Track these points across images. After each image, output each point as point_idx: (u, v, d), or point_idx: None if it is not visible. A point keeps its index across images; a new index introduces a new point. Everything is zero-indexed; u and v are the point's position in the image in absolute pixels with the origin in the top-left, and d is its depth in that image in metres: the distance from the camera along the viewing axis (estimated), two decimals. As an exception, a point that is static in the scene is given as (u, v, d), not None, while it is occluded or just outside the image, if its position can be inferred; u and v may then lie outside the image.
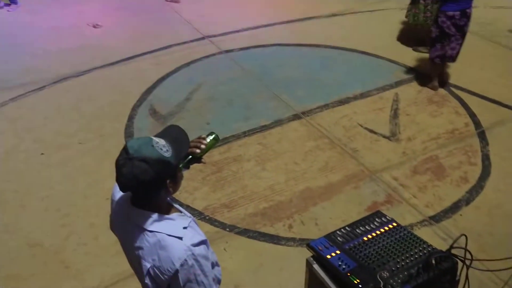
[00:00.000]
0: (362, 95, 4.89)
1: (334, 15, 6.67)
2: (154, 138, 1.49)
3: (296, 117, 4.57)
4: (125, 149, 1.45)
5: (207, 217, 3.45)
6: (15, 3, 6.69)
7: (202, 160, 1.79)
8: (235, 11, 6.76)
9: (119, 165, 1.44)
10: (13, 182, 3.77)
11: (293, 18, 6.55)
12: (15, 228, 3.35)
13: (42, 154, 4.09)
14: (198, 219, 3.41)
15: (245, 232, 3.34)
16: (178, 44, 5.92)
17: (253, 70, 5.37)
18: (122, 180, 1.45)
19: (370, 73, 5.29)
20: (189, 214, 1.72)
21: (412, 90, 4.97)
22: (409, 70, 5.35)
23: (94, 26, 6.28)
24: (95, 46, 5.83)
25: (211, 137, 1.81)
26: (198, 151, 1.74)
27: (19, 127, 4.42)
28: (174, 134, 1.58)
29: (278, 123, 4.49)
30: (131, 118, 4.59)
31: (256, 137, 4.31)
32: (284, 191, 3.70)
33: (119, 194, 1.69)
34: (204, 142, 1.77)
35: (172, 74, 5.31)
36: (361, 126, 4.43)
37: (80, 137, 4.31)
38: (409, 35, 5.97)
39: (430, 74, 5.01)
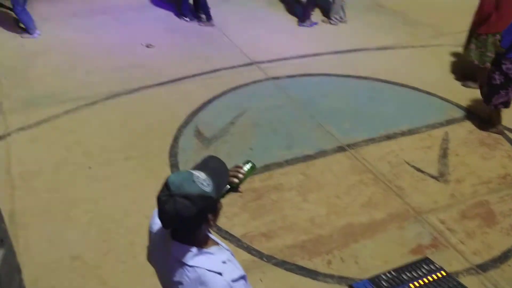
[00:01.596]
0: (410, 132, 4.78)
1: (384, 48, 6.61)
2: (194, 173, 1.49)
3: (340, 149, 4.52)
4: (166, 185, 1.45)
5: (244, 245, 3.42)
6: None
7: (239, 189, 1.78)
8: (284, 39, 6.82)
9: (161, 202, 1.45)
10: (61, 193, 3.87)
11: (342, 49, 6.54)
12: (59, 239, 3.43)
13: (90, 167, 4.20)
14: (236, 247, 3.38)
15: (282, 264, 3.29)
16: (226, 68, 6.01)
17: (299, 99, 5.37)
18: (164, 217, 1.45)
19: (419, 109, 5.18)
20: (226, 247, 1.71)
21: (463, 130, 4.82)
22: (461, 109, 5.20)
23: (147, 46, 6.47)
24: (146, 65, 6.00)
25: (248, 166, 1.78)
26: (236, 181, 1.72)
27: (69, 139, 4.56)
28: (213, 166, 1.58)
29: (321, 154, 4.44)
30: (176, 138, 4.65)
31: (298, 166, 4.28)
32: (324, 224, 3.63)
33: (157, 225, 1.69)
34: (242, 171, 1.76)
35: (218, 97, 5.38)
36: (408, 163, 4.32)
37: (126, 153, 4.40)
38: (462, 73, 5.83)
39: (492, 120, 4.82)
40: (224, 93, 5.45)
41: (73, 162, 4.25)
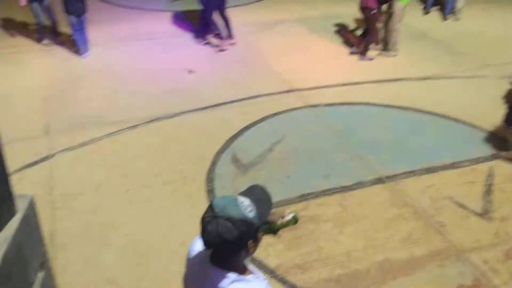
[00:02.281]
0: (453, 165, 4.62)
1: (426, 78, 6.49)
2: (239, 198, 1.52)
3: (379, 181, 4.41)
4: (211, 207, 1.50)
5: (279, 277, 3.36)
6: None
7: (279, 233, 1.80)
8: (324, 67, 6.82)
9: (204, 222, 1.50)
10: (100, 215, 3.95)
11: (383, 78, 6.47)
12: (95, 261, 3.48)
13: (128, 190, 4.27)
14: (270, 277, 3.33)
15: (317, 298, 3.20)
16: (266, 95, 6.05)
17: (338, 128, 5.32)
18: (206, 237, 1.49)
19: (463, 143, 5.01)
20: (263, 276, 1.70)
21: (509, 166, 4.62)
22: (507, 143, 4.99)
23: (188, 72, 6.62)
24: (187, 90, 6.12)
25: (291, 216, 1.90)
26: (278, 222, 1.80)
27: (111, 162, 4.67)
28: (258, 195, 1.59)
29: (360, 185, 4.35)
30: (213, 164, 4.68)
31: (336, 197, 4.20)
32: (361, 259, 3.52)
33: (195, 251, 1.71)
34: (286, 217, 1.81)
35: (257, 123, 5.40)
36: (450, 198, 4.17)
37: (164, 177, 4.46)
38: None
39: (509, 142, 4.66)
40: (262, 120, 5.47)
41: (112, 185, 4.34)
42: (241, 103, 5.85)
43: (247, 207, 1.50)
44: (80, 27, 6.86)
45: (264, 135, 5.18)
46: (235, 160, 4.73)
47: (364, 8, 6.65)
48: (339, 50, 7.38)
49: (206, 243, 1.51)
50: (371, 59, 6.96)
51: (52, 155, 4.73)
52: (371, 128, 5.30)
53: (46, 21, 7.22)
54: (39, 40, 7.05)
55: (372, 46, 7.06)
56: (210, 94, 6.02)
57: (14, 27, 8.05)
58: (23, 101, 5.77)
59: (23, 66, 6.71)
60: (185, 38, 7.72)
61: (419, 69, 6.71)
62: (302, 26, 8.27)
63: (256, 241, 1.57)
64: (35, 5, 6.75)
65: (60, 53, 7.09)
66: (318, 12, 8.95)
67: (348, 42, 7.65)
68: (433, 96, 5.97)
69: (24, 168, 4.50)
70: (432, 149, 4.91)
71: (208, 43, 7.38)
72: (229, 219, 1.46)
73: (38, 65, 6.77)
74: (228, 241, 1.47)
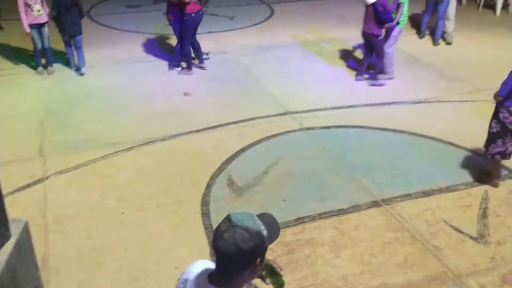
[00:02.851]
0: (448, 189, 4.63)
1: (419, 102, 6.56)
2: (254, 215, 1.61)
3: (375, 204, 4.41)
4: (228, 218, 1.57)
5: (275, 302, 3.31)
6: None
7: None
8: (319, 90, 6.87)
9: (220, 231, 1.54)
10: (94, 239, 3.90)
11: (377, 102, 6.52)
12: (89, 285, 3.42)
13: (122, 213, 4.23)
14: (266, 303, 3.28)
15: (313, 325, 3.16)
16: (261, 117, 6.07)
17: (333, 150, 5.33)
18: (221, 244, 1.52)
19: (457, 166, 5.04)
20: None
21: (503, 189, 4.64)
22: (501, 167, 5.02)
23: (184, 94, 6.65)
24: (183, 112, 6.13)
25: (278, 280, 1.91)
26: (282, 272, 1.93)
27: (105, 184, 4.64)
28: (269, 220, 1.65)
29: (355, 208, 4.35)
30: (209, 186, 4.67)
31: (332, 220, 4.19)
32: (358, 284, 3.49)
33: (193, 273, 1.72)
34: (281, 274, 1.92)
35: (252, 146, 5.41)
36: (446, 222, 4.17)
37: (159, 200, 4.43)
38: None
39: (490, 171, 4.69)
40: (257, 142, 5.48)
41: (107, 208, 4.30)
42: (236, 126, 5.87)
43: (261, 225, 1.58)
44: (77, 46, 7.11)
45: (259, 158, 5.18)
46: (231, 183, 4.72)
47: (369, 35, 6.70)
48: (334, 74, 7.46)
49: (220, 250, 1.53)
50: (382, 83, 7.00)
51: (46, 178, 4.69)
52: (367, 151, 5.32)
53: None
54: (36, 66, 7.06)
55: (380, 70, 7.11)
56: (205, 116, 6.03)
57: (12, 49, 8.08)
58: (18, 123, 5.76)
59: (19, 88, 6.72)
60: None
61: (413, 93, 6.79)
62: (298, 50, 8.37)
63: (262, 262, 1.62)
64: (34, 32, 6.81)
65: (56, 76, 7.10)
66: (313, 36, 9.07)
67: (343, 66, 7.74)
68: (427, 120, 6.02)
69: (18, 191, 4.46)
70: (427, 172, 4.92)
71: (183, 69, 7.39)
72: (247, 229, 1.53)
73: (34, 87, 6.77)
74: (242, 251, 1.51)
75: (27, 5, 6.60)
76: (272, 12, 10.58)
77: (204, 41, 8.67)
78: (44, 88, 6.73)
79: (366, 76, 7.18)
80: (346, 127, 5.86)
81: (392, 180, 4.79)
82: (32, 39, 6.86)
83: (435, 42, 8.76)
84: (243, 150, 5.31)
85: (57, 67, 7.37)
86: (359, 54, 8.18)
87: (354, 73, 7.36)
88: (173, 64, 7.40)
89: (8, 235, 2.29)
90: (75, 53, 7.24)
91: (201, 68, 7.48)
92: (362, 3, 6.71)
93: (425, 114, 6.23)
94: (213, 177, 4.81)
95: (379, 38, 6.74)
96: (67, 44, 7.17)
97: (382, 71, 7.10)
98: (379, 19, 6.53)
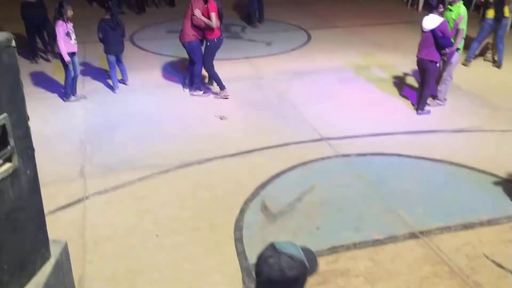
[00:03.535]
0: (490, 222, 4.46)
1: (460, 130, 6.39)
2: (297, 244, 1.63)
3: (412, 235, 4.29)
4: (272, 246, 1.59)
5: (307, 334, 3.24)
6: None
7: None
8: (355, 115, 6.82)
9: (265, 256, 1.56)
10: (128, 260, 3.95)
11: (416, 130, 6.41)
12: (121, 308, 3.46)
13: (157, 235, 4.28)
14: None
15: None
16: (296, 142, 6.07)
17: (369, 179, 5.25)
18: (266, 270, 1.53)
19: (500, 199, 4.85)
20: None
21: (550, 224, 4.43)
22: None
23: (220, 118, 6.73)
24: (218, 136, 6.20)
25: None
26: None
27: (141, 206, 4.72)
28: (308, 252, 1.65)
29: (392, 239, 4.24)
30: (242, 211, 4.67)
31: (367, 251, 4.10)
32: (394, 319, 3.38)
33: None
34: None
35: (286, 172, 5.39)
36: (487, 257, 4.00)
37: (193, 224, 4.46)
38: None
39: None
40: (292, 168, 5.47)
41: (142, 229, 4.37)
42: (271, 151, 5.88)
43: (303, 256, 1.59)
44: (121, 62, 7.61)
45: (294, 184, 5.15)
46: (264, 209, 4.71)
47: (427, 61, 6.61)
48: (371, 99, 7.39)
49: (265, 276, 1.53)
50: (428, 112, 6.89)
51: (86, 198, 4.82)
52: (404, 180, 5.21)
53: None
54: (68, 95, 7.28)
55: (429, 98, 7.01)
56: (240, 140, 6.08)
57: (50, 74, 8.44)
58: (62, 143, 5.96)
59: (64, 110, 6.97)
60: (215, 85, 7.88)
61: (453, 121, 6.63)
62: (334, 75, 8.36)
63: None
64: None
65: (98, 98, 7.35)
66: (349, 62, 9.06)
67: (380, 91, 7.66)
68: (467, 149, 5.86)
69: (59, 210, 4.60)
70: (468, 204, 4.77)
71: (205, 93, 7.48)
72: (292, 257, 1.54)
73: (78, 109, 7.02)
74: (287, 278, 1.51)
75: (67, 34, 6.89)
76: (309, 38, 10.65)
77: (241, 66, 8.84)
78: (87, 110, 6.96)
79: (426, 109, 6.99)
80: (383, 155, 5.77)
81: (430, 211, 4.66)
82: (68, 67, 7.08)
83: (499, 66, 8.71)
84: (277, 175, 5.31)
85: (100, 89, 7.63)
86: (396, 80, 8.09)
87: (392, 98, 7.28)
88: (194, 87, 7.45)
89: (47, 256, 2.35)
90: (118, 70, 7.59)
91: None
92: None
93: (466, 143, 6.06)
94: (247, 202, 4.81)
95: (437, 64, 6.67)
96: (112, 64, 7.46)
97: (434, 98, 7.03)
98: (438, 45, 6.47)
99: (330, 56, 9.36)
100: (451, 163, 5.54)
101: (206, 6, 6.82)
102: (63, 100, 7.18)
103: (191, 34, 6.98)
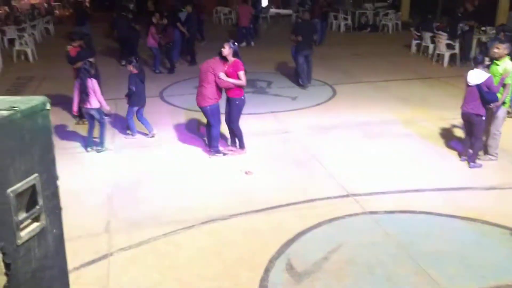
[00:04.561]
0: (528, 286, 4.22)
1: (493, 188, 6.21)
2: None
3: (445, 299, 4.08)
4: None
5: None
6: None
7: None
8: (382, 171, 6.72)
9: None
10: (150, 321, 3.87)
11: (446, 186, 6.26)
12: None
13: (180, 295, 4.20)
14: None
15: None
16: (322, 199, 5.99)
17: (398, 237, 5.09)
18: None
19: (538, 261, 4.62)
20: None
21: None
22: None
23: (246, 173, 6.75)
24: (243, 191, 6.19)
25: None
26: None
27: (165, 263, 4.68)
28: None
29: (424, 303, 4.04)
30: (267, 270, 4.56)
31: (398, 316, 3.90)
32: None
33: None
34: None
35: (312, 229, 5.29)
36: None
37: (217, 283, 4.38)
38: None
39: None
40: (318, 225, 5.37)
41: (165, 288, 4.30)
42: (296, 207, 5.81)
43: None
44: (142, 116, 7.96)
45: (320, 242, 5.04)
46: (290, 268, 4.59)
47: (472, 115, 6.61)
48: (398, 155, 7.30)
49: None
50: (480, 165, 6.79)
51: (110, 254, 4.81)
52: (434, 240, 5.03)
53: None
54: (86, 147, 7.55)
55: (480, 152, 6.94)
56: (265, 196, 6.04)
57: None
58: (89, 198, 6.05)
59: (91, 164, 7.12)
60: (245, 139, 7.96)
61: (485, 178, 6.46)
62: (360, 130, 8.35)
63: None
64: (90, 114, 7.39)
65: (124, 152, 7.50)
66: (375, 117, 9.06)
67: (408, 147, 7.58)
68: (501, 208, 5.66)
69: (83, 266, 4.59)
70: (502, 265, 4.54)
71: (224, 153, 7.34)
72: None
73: (104, 162, 7.16)
74: None
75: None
76: (334, 93, 10.77)
77: (267, 120, 8.95)
78: (114, 164, 7.10)
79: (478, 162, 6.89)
80: (412, 213, 5.62)
81: (463, 273, 4.46)
82: (103, 119, 7.38)
83: None
84: (303, 233, 5.21)
85: (128, 144, 7.81)
86: (423, 135, 8.02)
87: (419, 154, 7.19)
88: (214, 150, 7.23)
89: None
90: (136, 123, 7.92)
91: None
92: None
93: (499, 201, 5.87)
94: (272, 260, 4.71)
95: (483, 118, 6.63)
96: (132, 114, 7.88)
97: (485, 152, 6.96)
98: (483, 99, 6.46)
99: (355, 111, 9.40)
100: (484, 222, 5.34)
101: (226, 66, 6.83)
102: (97, 150, 7.45)
103: (213, 98, 6.86)
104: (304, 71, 11.18)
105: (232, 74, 6.85)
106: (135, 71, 7.72)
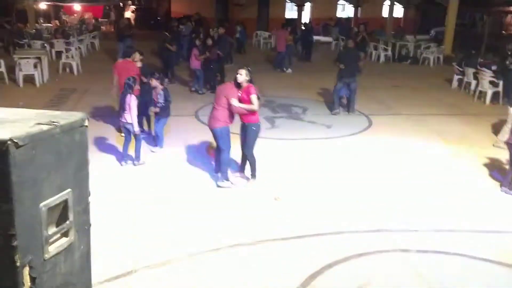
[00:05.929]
0: None
1: (533, 233, 5.90)
2: None
3: None
4: None
5: None
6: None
7: None
8: (417, 206, 6.49)
9: None
10: None
11: (484, 228, 5.99)
12: None
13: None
14: None
15: None
16: (352, 231, 5.84)
17: (430, 280, 4.88)
18: None
19: None
20: None
21: None
22: None
23: (275, 199, 6.67)
24: (272, 218, 6.10)
25: None
26: None
27: (189, 285, 4.62)
28: None
29: None
30: (292, 303, 4.44)
31: None
32: None
33: None
34: None
35: (340, 263, 5.13)
36: None
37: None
38: None
39: None
40: (346, 259, 5.21)
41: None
42: (325, 238, 5.68)
43: None
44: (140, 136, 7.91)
45: (347, 277, 4.88)
46: (314, 302, 4.45)
47: None
48: (434, 190, 7.07)
49: None
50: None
51: (134, 271, 4.79)
52: (467, 285, 4.79)
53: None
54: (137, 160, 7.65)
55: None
56: (293, 224, 5.93)
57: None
58: (115, 213, 6.10)
59: (122, 178, 7.20)
60: (271, 165, 7.91)
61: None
62: (394, 163, 8.16)
63: None
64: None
65: (155, 169, 7.56)
66: (411, 150, 8.85)
67: (448, 181, 7.34)
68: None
69: (107, 281, 4.58)
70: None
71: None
72: None
73: (135, 177, 7.23)
74: None
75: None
76: (370, 123, 10.61)
77: (299, 146, 8.88)
78: (144, 179, 7.16)
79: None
80: (446, 254, 5.38)
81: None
82: (138, 135, 7.56)
83: None
84: (329, 265, 5.06)
85: (158, 159, 7.88)
86: (461, 172, 7.76)
87: (457, 191, 6.95)
88: (223, 176, 7.01)
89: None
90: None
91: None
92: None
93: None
94: (297, 293, 4.59)
95: None
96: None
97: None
98: None
99: (391, 143, 9.22)
100: (525, 271, 5.06)
101: (240, 92, 6.68)
102: (134, 163, 7.59)
103: (223, 120, 6.72)
104: (338, 98, 11.18)
105: (246, 99, 6.69)
106: (160, 85, 7.99)
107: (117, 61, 9.22)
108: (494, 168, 7.86)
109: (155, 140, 8.39)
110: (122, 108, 7.36)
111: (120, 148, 7.88)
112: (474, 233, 5.89)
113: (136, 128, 7.42)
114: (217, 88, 7.35)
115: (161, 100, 8.00)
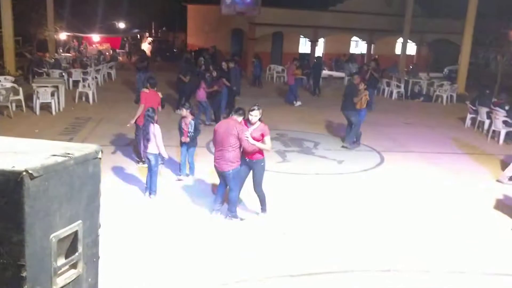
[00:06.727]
0: None
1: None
2: None
3: None
4: None
5: None
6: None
7: None
8: (427, 247, 6.38)
9: None
10: None
11: (495, 271, 5.84)
12: None
13: None
14: None
15: None
16: (362, 270, 5.74)
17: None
18: None
19: None
20: None
21: None
22: None
23: (283, 233, 6.60)
24: (280, 253, 6.03)
25: None
26: None
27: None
28: None
29: None
30: None
31: None
32: None
33: None
34: None
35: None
36: None
37: None
38: None
39: None
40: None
41: None
42: (332, 276, 5.58)
43: None
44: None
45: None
46: None
47: None
48: (445, 232, 6.95)
49: None
50: None
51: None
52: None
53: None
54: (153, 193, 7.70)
55: None
56: (302, 260, 5.85)
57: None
58: (137, 245, 6.08)
59: (136, 210, 7.21)
60: (282, 199, 7.87)
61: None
62: (406, 201, 8.08)
63: None
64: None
65: (172, 201, 7.58)
66: (424, 189, 8.76)
67: (461, 224, 7.22)
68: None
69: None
70: None
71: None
72: None
73: (149, 209, 7.23)
74: None
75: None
76: (382, 160, 10.56)
77: (309, 181, 8.84)
78: (159, 211, 7.16)
79: None
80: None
81: None
82: (156, 167, 7.59)
83: None
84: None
85: (180, 190, 7.90)
86: (475, 211, 7.64)
87: (469, 232, 6.81)
88: (231, 215, 6.90)
89: None
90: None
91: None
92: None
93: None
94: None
95: None
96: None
97: None
98: None
99: (402, 180, 9.15)
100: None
101: (249, 128, 6.59)
102: (150, 195, 7.60)
103: (235, 162, 6.53)
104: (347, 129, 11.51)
105: (258, 138, 6.58)
106: (190, 115, 8.23)
107: (143, 91, 9.38)
108: (508, 202, 7.74)
109: (180, 169, 8.58)
110: (146, 138, 7.42)
111: (142, 179, 8.00)
112: (484, 275, 5.74)
113: (165, 155, 7.51)
114: (217, 127, 6.74)
115: (191, 129, 8.24)
